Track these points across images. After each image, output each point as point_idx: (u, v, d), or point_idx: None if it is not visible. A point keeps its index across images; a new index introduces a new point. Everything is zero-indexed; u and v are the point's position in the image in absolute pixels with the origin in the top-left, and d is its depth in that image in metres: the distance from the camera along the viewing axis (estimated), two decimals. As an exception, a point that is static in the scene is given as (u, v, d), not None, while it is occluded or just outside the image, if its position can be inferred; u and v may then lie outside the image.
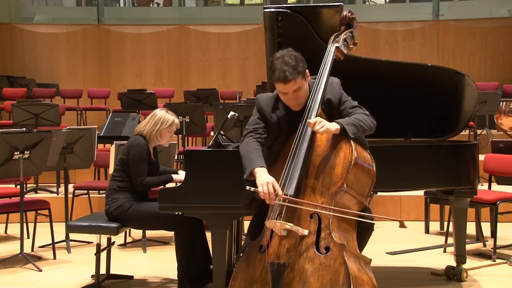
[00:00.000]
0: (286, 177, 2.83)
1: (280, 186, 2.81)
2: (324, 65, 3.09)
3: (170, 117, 4.19)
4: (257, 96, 3.20)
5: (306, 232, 2.72)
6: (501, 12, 12.44)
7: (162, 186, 5.19)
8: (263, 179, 2.78)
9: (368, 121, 2.97)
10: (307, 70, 2.98)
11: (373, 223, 3.01)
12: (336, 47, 3.18)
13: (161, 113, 4.20)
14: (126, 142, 4.33)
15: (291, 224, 2.71)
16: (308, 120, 2.86)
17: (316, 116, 2.93)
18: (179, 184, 3.50)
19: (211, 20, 12.99)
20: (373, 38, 11.93)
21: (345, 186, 2.77)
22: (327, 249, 2.67)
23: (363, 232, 2.93)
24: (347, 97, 3.09)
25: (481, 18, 12.09)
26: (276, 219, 2.76)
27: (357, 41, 3.32)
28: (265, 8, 3.72)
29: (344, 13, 3.33)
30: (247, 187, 2.77)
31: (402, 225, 2.82)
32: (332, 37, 3.25)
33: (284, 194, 2.78)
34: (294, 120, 3.01)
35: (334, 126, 2.85)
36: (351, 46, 3.29)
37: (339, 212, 2.75)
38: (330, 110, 3.05)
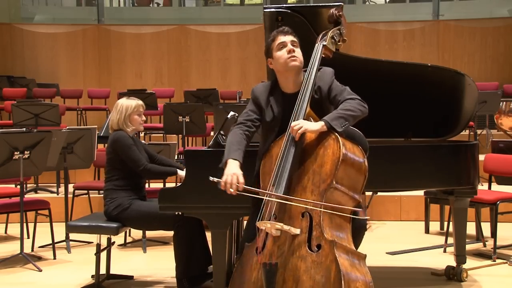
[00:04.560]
0: (276, 177, 2.82)
1: (270, 186, 2.82)
2: (312, 63, 3.08)
3: (132, 101, 4.20)
4: (252, 88, 3.25)
5: (298, 231, 2.71)
6: (501, 12, 12.45)
7: (162, 185, 5.21)
8: (230, 170, 2.87)
9: (356, 105, 2.94)
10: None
11: (366, 222, 3.02)
12: (323, 45, 3.18)
13: (122, 101, 4.21)
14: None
15: (282, 224, 2.71)
16: (291, 127, 2.87)
17: (305, 112, 2.93)
18: (179, 184, 3.50)
19: (211, 20, 12.99)
20: (373, 38, 11.93)
21: (334, 182, 2.75)
22: (319, 246, 2.66)
23: (356, 231, 2.93)
24: (338, 85, 3.08)
25: (481, 18, 12.09)
26: (270, 220, 2.76)
27: (346, 38, 3.30)
28: (265, 8, 3.72)
29: (331, 11, 3.31)
30: (210, 178, 2.83)
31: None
32: (320, 36, 3.24)
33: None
34: (287, 105, 3.03)
35: (318, 124, 2.86)
36: (339, 43, 3.27)
37: (329, 208, 2.74)
38: (321, 98, 3.06)
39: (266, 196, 2.80)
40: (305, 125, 2.84)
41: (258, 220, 2.78)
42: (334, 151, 2.81)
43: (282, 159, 2.85)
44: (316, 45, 3.19)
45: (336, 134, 2.84)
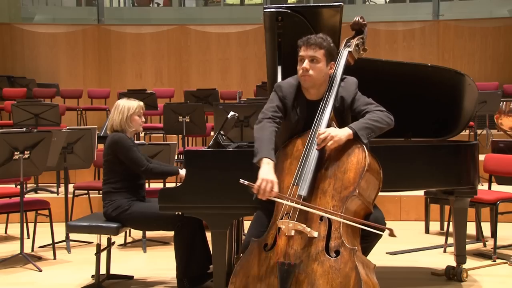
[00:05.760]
0: (300, 177, 2.82)
1: (292, 186, 2.82)
2: (336, 67, 3.12)
3: (133, 102, 4.18)
4: (278, 83, 3.19)
5: (315, 234, 2.72)
6: (501, 12, 12.45)
7: (162, 185, 5.21)
8: (266, 175, 2.77)
9: (384, 117, 2.98)
10: (333, 62, 3.06)
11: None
12: (349, 51, 3.20)
13: (123, 101, 4.18)
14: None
15: (304, 225, 2.71)
16: (317, 135, 2.87)
17: (329, 120, 2.94)
18: (179, 183, 3.50)
19: (211, 20, 12.99)
20: (373, 38, 11.91)
21: (356, 191, 2.77)
22: (337, 252, 2.67)
23: (373, 235, 2.93)
24: (361, 96, 3.10)
25: (481, 18, 12.09)
26: (288, 219, 2.76)
27: (367, 47, 3.33)
28: (265, 8, 3.72)
29: (356, 19, 3.34)
30: (241, 180, 2.77)
31: (392, 234, 2.77)
32: (344, 42, 3.28)
33: (298, 196, 2.78)
34: (311, 111, 3.03)
35: (345, 132, 2.86)
36: (361, 52, 3.32)
37: (351, 221, 2.75)
38: (343, 108, 3.06)
39: (288, 201, 2.79)
40: (335, 136, 2.83)
41: (280, 219, 2.78)
42: (359, 160, 2.82)
43: (305, 159, 2.85)
44: (341, 50, 3.21)
45: (361, 143, 2.87)
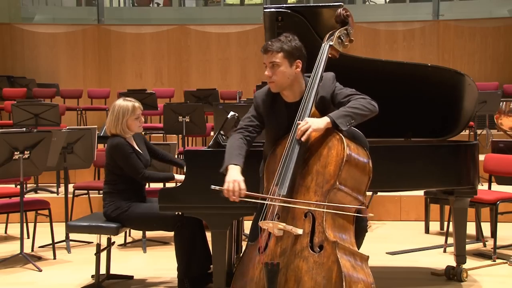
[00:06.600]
0: (279, 177, 2.82)
1: (273, 187, 2.81)
2: (318, 63, 3.09)
3: (129, 103, 4.08)
4: (255, 93, 3.22)
5: (300, 231, 2.71)
6: (501, 12, 12.45)
7: (162, 185, 5.20)
8: (231, 176, 2.84)
9: (365, 104, 2.94)
10: (298, 60, 3.00)
11: (366, 224, 3.03)
12: (330, 45, 3.16)
13: (118, 103, 4.09)
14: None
15: (284, 224, 2.71)
16: (297, 129, 2.87)
17: (309, 115, 2.93)
18: (179, 184, 3.50)
19: (211, 20, 13.00)
20: (373, 38, 11.93)
21: (337, 183, 2.75)
22: (321, 247, 2.66)
23: (357, 233, 2.93)
24: (341, 88, 3.07)
25: (481, 18, 12.09)
26: (273, 219, 2.76)
27: (353, 38, 3.29)
28: (265, 8, 3.73)
29: (338, 11, 3.28)
30: (212, 187, 2.82)
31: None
32: (327, 35, 3.23)
33: (277, 194, 2.78)
34: (291, 113, 3.02)
35: (324, 121, 2.85)
36: (346, 43, 3.25)
37: (331, 208, 2.74)
38: (324, 107, 3.04)
39: (268, 200, 2.80)
40: (312, 124, 2.83)
41: (261, 220, 2.78)
42: (338, 151, 2.80)
43: (286, 159, 2.84)
44: (323, 44, 3.18)
45: (341, 134, 2.85)
